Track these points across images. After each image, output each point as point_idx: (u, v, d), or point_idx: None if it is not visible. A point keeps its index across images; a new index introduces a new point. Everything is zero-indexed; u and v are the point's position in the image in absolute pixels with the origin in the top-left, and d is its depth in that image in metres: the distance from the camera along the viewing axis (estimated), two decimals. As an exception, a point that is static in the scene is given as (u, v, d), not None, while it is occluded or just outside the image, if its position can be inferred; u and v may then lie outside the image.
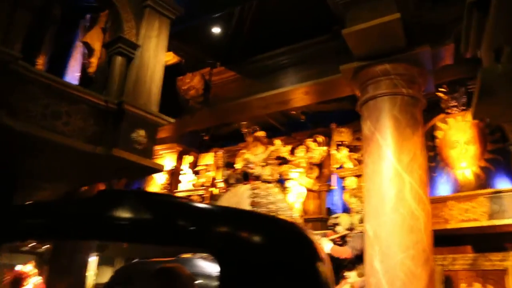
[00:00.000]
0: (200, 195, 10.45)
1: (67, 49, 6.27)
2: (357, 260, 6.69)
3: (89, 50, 5.76)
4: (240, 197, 8.07)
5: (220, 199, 8.28)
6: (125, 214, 1.67)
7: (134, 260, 7.02)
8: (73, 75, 6.00)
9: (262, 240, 1.70)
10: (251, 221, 1.80)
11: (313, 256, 1.78)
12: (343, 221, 6.88)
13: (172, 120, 4.87)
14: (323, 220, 8.81)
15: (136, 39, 4.98)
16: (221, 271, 1.60)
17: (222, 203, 8.17)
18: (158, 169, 4.76)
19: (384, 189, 5.62)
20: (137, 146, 4.54)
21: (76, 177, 4.99)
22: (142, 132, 4.60)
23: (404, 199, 5.50)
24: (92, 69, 5.59)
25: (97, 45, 5.71)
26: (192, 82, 7.64)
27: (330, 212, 9.12)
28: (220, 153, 8.29)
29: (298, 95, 7.33)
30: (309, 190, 8.91)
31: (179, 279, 2.11)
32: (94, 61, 5.68)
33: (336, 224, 6.93)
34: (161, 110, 5.40)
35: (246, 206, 7.85)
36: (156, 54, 5.09)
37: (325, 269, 1.79)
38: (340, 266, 8.25)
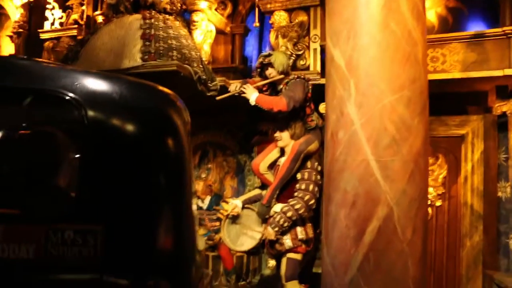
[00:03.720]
0: (71, 36, 7.55)
1: None
2: (292, 116, 4.56)
3: None
4: (127, 29, 5.43)
5: (100, 33, 5.57)
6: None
7: None
8: None
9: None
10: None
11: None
12: (278, 60, 4.57)
13: None
14: (237, 70, 6.51)
15: None
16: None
17: (103, 38, 5.51)
18: None
19: (366, -6, 3.33)
20: None
21: None
22: None
23: (399, 11, 3.26)
24: None
25: None
26: None
27: (245, 60, 6.82)
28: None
29: None
30: (219, 31, 6.43)
31: None
32: None
33: (267, 65, 4.61)
34: None
35: (135, 40, 5.27)
36: None
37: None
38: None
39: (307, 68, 5.52)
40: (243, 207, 4.63)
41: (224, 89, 5.12)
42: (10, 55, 2.01)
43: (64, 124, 2.00)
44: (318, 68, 5.52)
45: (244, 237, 4.58)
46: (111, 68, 5.08)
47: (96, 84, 1.86)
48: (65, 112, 1.94)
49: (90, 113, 1.76)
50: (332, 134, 3.31)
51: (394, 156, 3.08)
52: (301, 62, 5.59)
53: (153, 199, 1.80)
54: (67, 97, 1.81)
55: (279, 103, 4.32)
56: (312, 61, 5.56)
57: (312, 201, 4.28)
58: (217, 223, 5.87)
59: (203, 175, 6.31)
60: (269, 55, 4.63)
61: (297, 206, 4.22)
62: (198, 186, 5.93)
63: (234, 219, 4.63)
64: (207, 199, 5.99)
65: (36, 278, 1.71)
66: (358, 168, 3.11)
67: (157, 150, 1.83)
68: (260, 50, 7.16)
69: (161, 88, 2.03)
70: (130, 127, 1.79)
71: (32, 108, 1.98)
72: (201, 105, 5.76)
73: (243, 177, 6.60)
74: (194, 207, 2.12)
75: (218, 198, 6.05)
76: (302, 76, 4.60)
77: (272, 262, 6.07)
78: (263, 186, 4.80)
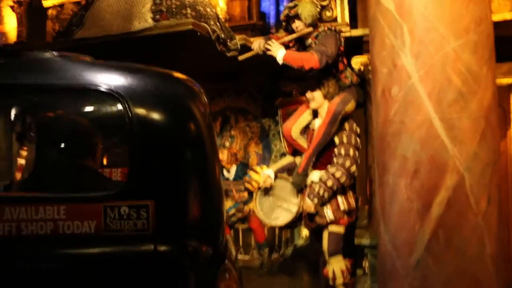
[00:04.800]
0: (75, 2, 6.97)
1: None
2: (324, 74, 4.02)
3: None
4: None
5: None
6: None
7: None
8: None
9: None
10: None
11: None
12: (306, 10, 3.99)
13: None
14: (255, 27, 5.94)
15: None
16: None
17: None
18: None
19: None
20: None
21: None
22: None
23: None
24: None
25: None
26: None
27: (264, 17, 6.25)
28: None
29: None
30: (234, -14, 5.86)
31: None
32: None
33: (293, 17, 4.05)
34: None
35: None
36: None
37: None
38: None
39: (335, 20, 4.95)
40: (275, 177, 4.16)
41: (244, 48, 4.59)
42: (51, 53, 2.21)
43: (113, 118, 2.35)
44: (347, 19, 4.94)
45: (279, 210, 4.12)
46: (120, 31, 4.57)
47: (131, 77, 2.06)
48: (110, 106, 2.24)
49: (132, 105, 1.98)
50: (384, 91, 2.79)
51: (462, 113, 2.56)
52: (328, 13, 5.02)
53: (185, 176, 2.05)
54: (112, 93, 2.01)
55: (310, 60, 3.78)
56: (339, 11, 4.98)
57: (354, 168, 3.80)
58: (245, 193, 5.43)
59: (227, 144, 5.84)
60: (295, 6, 4.05)
61: (337, 175, 3.74)
62: (223, 155, 5.46)
63: (267, 190, 4.17)
64: (233, 168, 5.52)
65: (98, 250, 1.95)
66: (419, 130, 2.60)
67: (182, 133, 2.07)
68: (277, 5, 6.57)
69: (178, 75, 2.22)
70: (162, 116, 2.03)
71: (80, 102, 2.39)
72: (219, 67, 5.26)
73: (268, 143, 6.12)
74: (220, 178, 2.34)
75: (244, 167, 5.58)
76: (333, 28, 4.04)
77: (305, 232, 5.67)
78: (295, 152, 4.32)
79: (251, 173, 5.32)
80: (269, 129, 6.11)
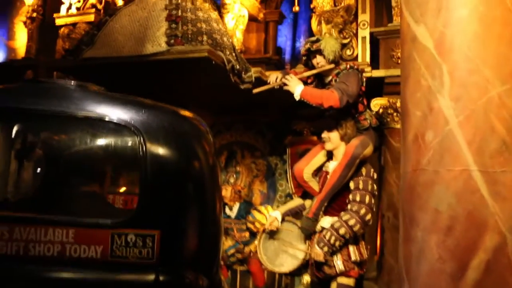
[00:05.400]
0: (88, 22, 6.82)
1: None
2: (342, 114, 3.77)
3: None
4: (150, 10, 4.67)
5: (119, 15, 4.80)
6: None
7: None
8: None
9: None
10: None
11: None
12: (329, 46, 3.76)
13: None
14: (270, 61, 5.74)
15: None
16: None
17: (122, 20, 4.77)
18: None
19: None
20: None
21: None
22: None
23: (508, -24, 2.47)
24: None
25: None
26: None
27: (280, 51, 6.04)
28: None
29: None
30: (251, 18, 5.66)
31: None
32: None
33: (315, 52, 3.82)
34: None
35: (159, 22, 4.52)
36: None
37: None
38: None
39: (355, 59, 4.75)
40: (282, 220, 3.84)
41: (259, 81, 4.35)
42: (69, 82, 2.29)
43: (127, 150, 2.42)
44: (368, 59, 4.73)
45: (284, 256, 3.79)
46: (131, 53, 4.33)
47: (147, 113, 2.15)
48: (126, 138, 2.29)
49: (147, 139, 2.07)
50: (416, 136, 2.49)
51: (506, 165, 2.26)
52: (348, 52, 4.82)
53: (187, 210, 2.15)
54: (129, 126, 2.11)
55: (330, 98, 3.54)
56: (361, 50, 4.78)
57: (369, 216, 3.50)
58: (247, 234, 5.08)
59: (232, 180, 5.52)
60: (318, 40, 3.84)
61: (351, 222, 3.43)
62: (226, 191, 5.12)
63: (272, 233, 3.85)
64: (236, 206, 5.18)
65: (103, 274, 2.00)
66: (456, 182, 2.29)
67: (188, 170, 2.18)
68: (294, 41, 6.39)
69: (187, 113, 2.30)
70: (172, 152, 2.14)
71: (97, 133, 2.41)
72: (230, 99, 5.02)
73: (274, 182, 5.81)
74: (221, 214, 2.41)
75: (247, 205, 5.25)
76: (356, 66, 3.81)
77: (306, 278, 5.29)
78: (305, 195, 4.01)
79: (255, 213, 5.00)
80: (276, 168, 5.81)
